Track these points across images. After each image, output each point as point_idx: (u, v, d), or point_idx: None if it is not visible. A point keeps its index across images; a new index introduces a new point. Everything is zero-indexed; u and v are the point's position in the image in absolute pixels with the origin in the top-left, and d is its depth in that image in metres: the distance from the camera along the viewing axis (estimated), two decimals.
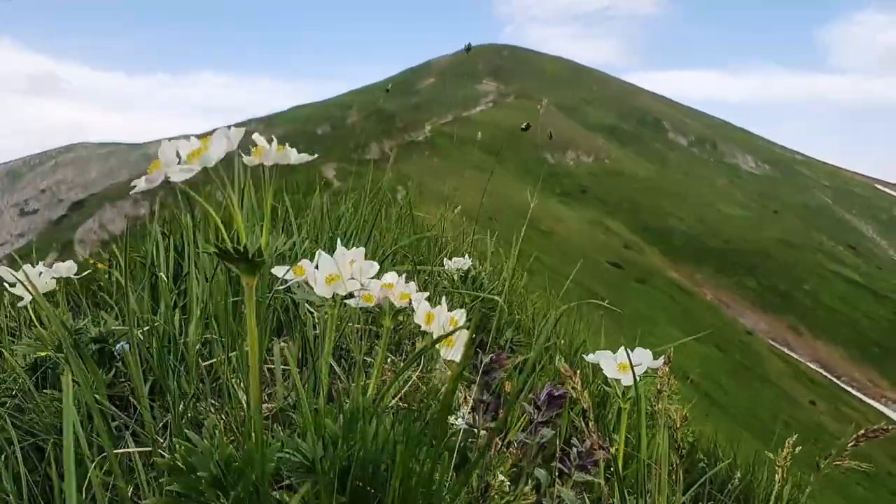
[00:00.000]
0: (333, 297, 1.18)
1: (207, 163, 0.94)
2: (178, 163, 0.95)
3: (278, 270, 1.23)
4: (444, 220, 4.24)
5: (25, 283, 1.48)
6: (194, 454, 0.92)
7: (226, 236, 0.99)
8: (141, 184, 0.95)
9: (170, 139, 0.97)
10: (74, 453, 1.23)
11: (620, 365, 1.33)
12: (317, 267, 1.20)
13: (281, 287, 1.26)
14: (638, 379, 1.32)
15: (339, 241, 1.33)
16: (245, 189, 2.11)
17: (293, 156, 1.07)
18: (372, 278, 1.26)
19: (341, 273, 1.16)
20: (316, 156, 1.14)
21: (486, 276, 2.93)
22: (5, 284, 1.57)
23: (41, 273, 1.60)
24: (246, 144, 1.08)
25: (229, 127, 1.01)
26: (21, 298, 1.58)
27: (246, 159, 1.03)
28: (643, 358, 1.35)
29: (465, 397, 1.83)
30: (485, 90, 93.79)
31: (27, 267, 1.54)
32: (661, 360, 1.40)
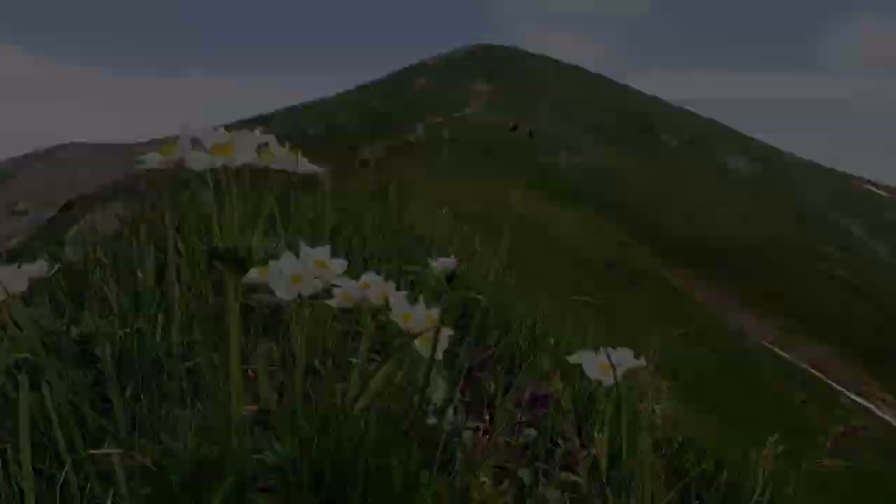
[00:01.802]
0: (299, 297, 1.17)
1: (231, 163, 0.93)
2: (197, 151, 0.94)
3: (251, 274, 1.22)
4: (435, 220, 4.24)
5: None
6: (168, 456, 0.91)
7: (218, 235, 0.99)
8: (151, 161, 0.95)
9: (168, 139, 0.96)
10: (54, 456, 1.22)
11: (602, 365, 1.32)
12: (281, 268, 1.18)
13: (251, 288, 1.24)
14: (620, 379, 1.31)
15: (323, 241, 1.32)
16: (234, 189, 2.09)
17: (301, 166, 1.09)
18: (349, 278, 1.25)
19: (304, 273, 1.15)
20: (322, 168, 1.15)
21: (473, 276, 2.93)
22: None
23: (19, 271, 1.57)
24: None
25: (216, 128, 1.00)
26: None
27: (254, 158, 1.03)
28: (624, 358, 1.34)
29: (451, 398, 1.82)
30: (477, 91, 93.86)
31: (2, 268, 1.52)
32: (642, 361, 1.39)
